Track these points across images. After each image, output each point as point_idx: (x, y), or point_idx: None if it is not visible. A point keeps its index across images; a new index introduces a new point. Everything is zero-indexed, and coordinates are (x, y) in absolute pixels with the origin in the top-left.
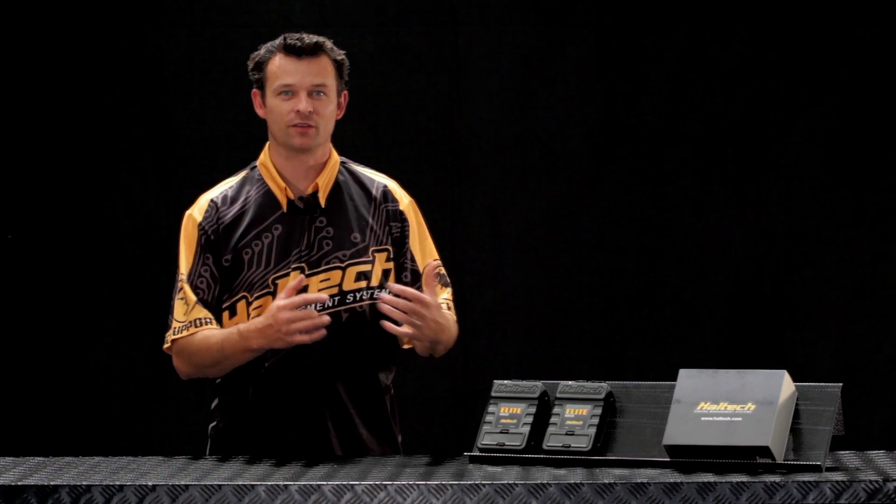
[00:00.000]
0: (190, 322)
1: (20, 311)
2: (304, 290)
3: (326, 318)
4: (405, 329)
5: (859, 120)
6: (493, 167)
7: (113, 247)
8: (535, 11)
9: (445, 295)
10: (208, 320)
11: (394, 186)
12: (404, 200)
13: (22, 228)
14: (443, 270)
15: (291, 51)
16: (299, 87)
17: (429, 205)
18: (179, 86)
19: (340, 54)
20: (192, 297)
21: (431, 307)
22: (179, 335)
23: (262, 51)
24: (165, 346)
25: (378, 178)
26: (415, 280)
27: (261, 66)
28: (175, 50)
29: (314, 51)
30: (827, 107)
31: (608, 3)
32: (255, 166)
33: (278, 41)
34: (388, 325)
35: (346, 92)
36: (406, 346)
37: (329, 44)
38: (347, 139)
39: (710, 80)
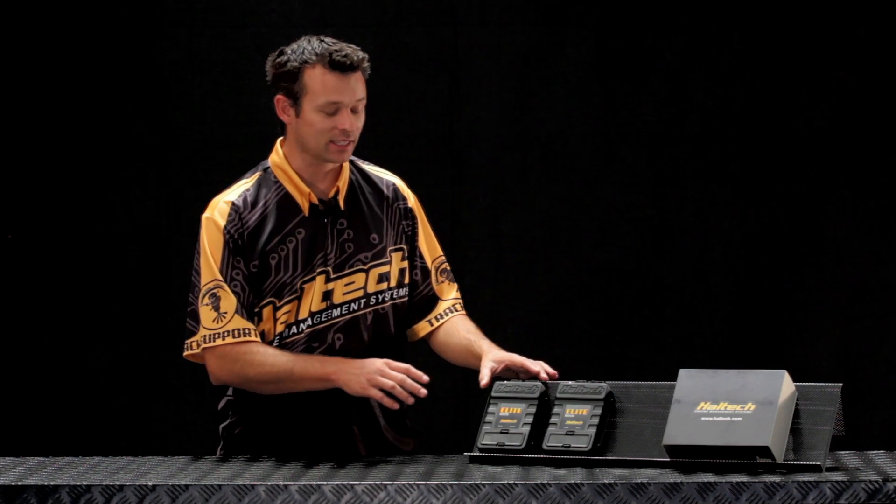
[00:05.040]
0: (227, 331)
1: (20, 311)
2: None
3: (424, 379)
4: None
5: (859, 120)
6: (493, 167)
7: (113, 247)
8: (535, 11)
9: (454, 293)
10: (248, 331)
11: (401, 184)
12: (411, 198)
13: (22, 228)
14: (448, 266)
15: (337, 67)
16: (346, 104)
17: (429, 205)
18: (179, 86)
19: (367, 63)
20: (233, 302)
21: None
22: (212, 343)
23: (293, 58)
24: (187, 352)
25: (386, 177)
26: (424, 277)
27: (295, 75)
28: (175, 50)
29: (357, 66)
30: (827, 107)
31: (608, 3)
32: (269, 167)
33: (319, 51)
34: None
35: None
36: None
37: (363, 54)
38: None
39: (710, 80)
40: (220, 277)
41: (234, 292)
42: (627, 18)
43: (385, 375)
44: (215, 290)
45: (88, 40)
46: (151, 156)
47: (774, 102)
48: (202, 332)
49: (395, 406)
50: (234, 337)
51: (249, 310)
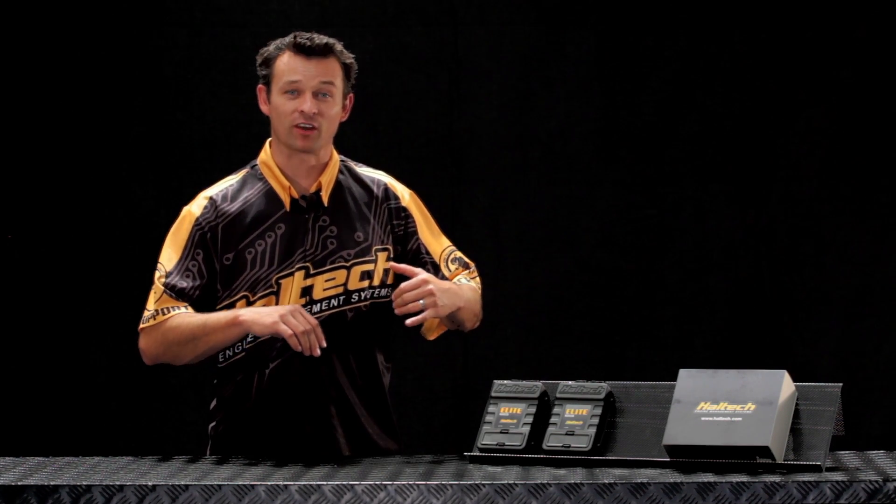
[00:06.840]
0: (158, 310)
1: (20, 310)
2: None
3: (323, 344)
4: (425, 314)
5: (859, 120)
6: (493, 167)
7: (113, 247)
8: (535, 11)
9: (468, 270)
10: (176, 308)
11: (393, 183)
12: (405, 196)
13: (22, 228)
14: (458, 254)
15: (301, 50)
16: (305, 86)
17: (429, 205)
18: (179, 86)
19: (349, 57)
20: (161, 289)
21: (431, 279)
22: (147, 324)
23: (272, 47)
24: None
25: (377, 176)
26: (435, 272)
27: (269, 62)
28: (175, 50)
29: (323, 51)
30: (827, 107)
31: (608, 3)
32: (256, 164)
33: (288, 39)
34: (410, 321)
35: (351, 95)
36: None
37: (339, 46)
38: (347, 139)
39: (710, 80)
40: (168, 265)
41: (184, 281)
42: (627, 18)
43: (297, 319)
44: (161, 278)
45: (88, 40)
46: (151, 156)
47: (774, 102)
48: (144, 312)
49: (298, 348)
50: (163, 314)
51: (196, 300)
